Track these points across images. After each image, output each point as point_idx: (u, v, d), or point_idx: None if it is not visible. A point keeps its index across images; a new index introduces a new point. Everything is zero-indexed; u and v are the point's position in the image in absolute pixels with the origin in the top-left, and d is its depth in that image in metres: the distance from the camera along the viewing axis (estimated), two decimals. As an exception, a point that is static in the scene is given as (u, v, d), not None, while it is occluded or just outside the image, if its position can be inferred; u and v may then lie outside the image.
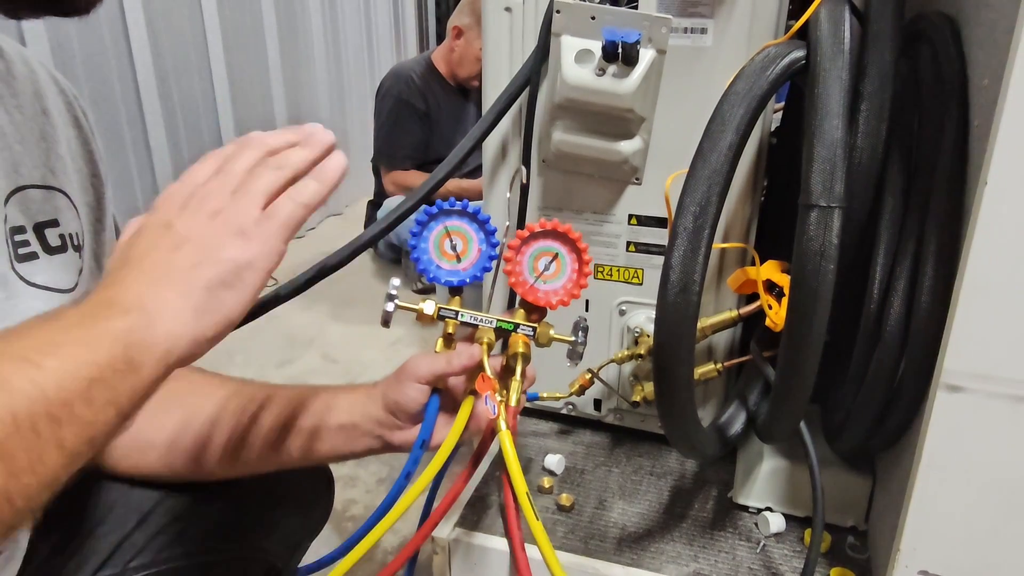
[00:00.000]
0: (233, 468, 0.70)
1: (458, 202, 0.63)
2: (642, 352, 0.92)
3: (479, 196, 1.00)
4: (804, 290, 0.57)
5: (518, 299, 0.67)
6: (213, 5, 2.17)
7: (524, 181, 0.90)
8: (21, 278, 0.54)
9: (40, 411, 0.35)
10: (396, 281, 0.63)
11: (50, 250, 0.57)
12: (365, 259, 2.49)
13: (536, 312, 0.66)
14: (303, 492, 0.83)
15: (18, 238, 0.54)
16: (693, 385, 0.63)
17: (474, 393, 0.64)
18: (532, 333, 0.65)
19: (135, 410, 0.40)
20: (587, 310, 0.98)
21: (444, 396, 0.66)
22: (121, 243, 0.47)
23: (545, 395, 0.99)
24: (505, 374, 0.65)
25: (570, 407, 1.05)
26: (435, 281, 0.65)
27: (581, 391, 0.96)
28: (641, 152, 0.86)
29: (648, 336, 0.93)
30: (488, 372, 0.62)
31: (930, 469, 0.60)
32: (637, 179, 0.90)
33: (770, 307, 0.75)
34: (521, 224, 0.93)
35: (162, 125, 2.03)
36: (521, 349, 0.64)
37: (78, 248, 0.60)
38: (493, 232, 0.65)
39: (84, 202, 0.63)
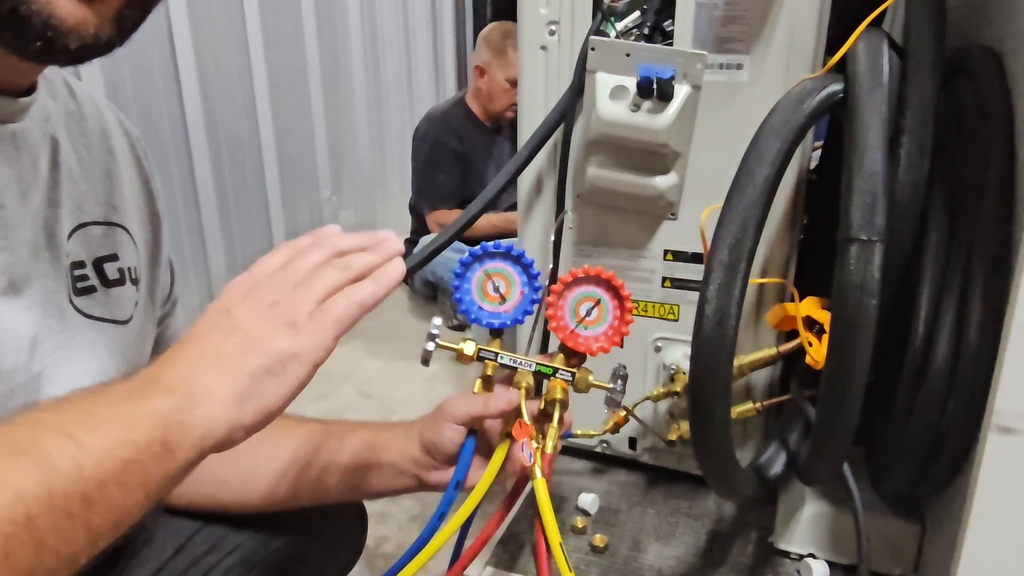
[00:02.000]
0: (280, 504, 0.71)
1: (502, 244, 0.64)
2: (678, 389, 0.90)
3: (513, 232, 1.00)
4: (845, 325, 0.56)
5: (558, 343, 0.66)
6: (260, 49, 2.25)
7: (571, 226, 0.91)
8: (78, 311, 0.56)
9: (75, 491, 0.35)
10: (438, 320, 0.63)
11: (108, 283, 0.59)
12: (401, 295, 2.51)
13: (575, 357, 0.66)
14: (337, 527, 0.83)
15: (77, 272, 0.56)
16: (730, 421, 0.61)
17: (510, 437, 0.64)
18: (571, 379, 0.64)
19: (162, 495, 0.40)
20: (622, 346, 0.97)
21: (480, 438, 0.66)
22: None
23: (579, 432, 0.97)
24: (542, 419, 0.65)
25: (605, 445, 1.03)
26: (476, 323, 0.65)
27: (616, 429, 0.94)
28: (676, 187, 0.86)
29: (684, 373, 0.91)
30: (526, 418, 0.61)
31: (982, 515, 0.57)
32: (672, 214, 0.89)
33: (810, 344, 0.73)
34: (556, 262, 0.93)
35: (208, 164, 2.09)
36: (559, 396, 0.63)
37: (135, 281, 0.62)
38: (537, 276, 0.64)
39: (142, 238, 0.65)
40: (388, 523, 1.43)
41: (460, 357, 0.65)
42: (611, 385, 0.64)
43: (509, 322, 0.65)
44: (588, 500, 0.94)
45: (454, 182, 2.28)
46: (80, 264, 0.56)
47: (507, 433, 0.65)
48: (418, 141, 2.32)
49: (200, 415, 0.41)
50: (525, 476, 0.66)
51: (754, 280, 0.87)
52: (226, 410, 0.42)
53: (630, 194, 0.86)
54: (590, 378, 0.64)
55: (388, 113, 3.03)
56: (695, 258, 0.90)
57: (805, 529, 0.84)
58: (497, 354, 0.64)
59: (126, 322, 0.60)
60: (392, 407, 1.87)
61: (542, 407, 0.65)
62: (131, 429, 0.38)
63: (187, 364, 0.43)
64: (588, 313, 0.64)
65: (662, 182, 0.84)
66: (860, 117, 0.57)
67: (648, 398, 0.92)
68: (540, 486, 0.60)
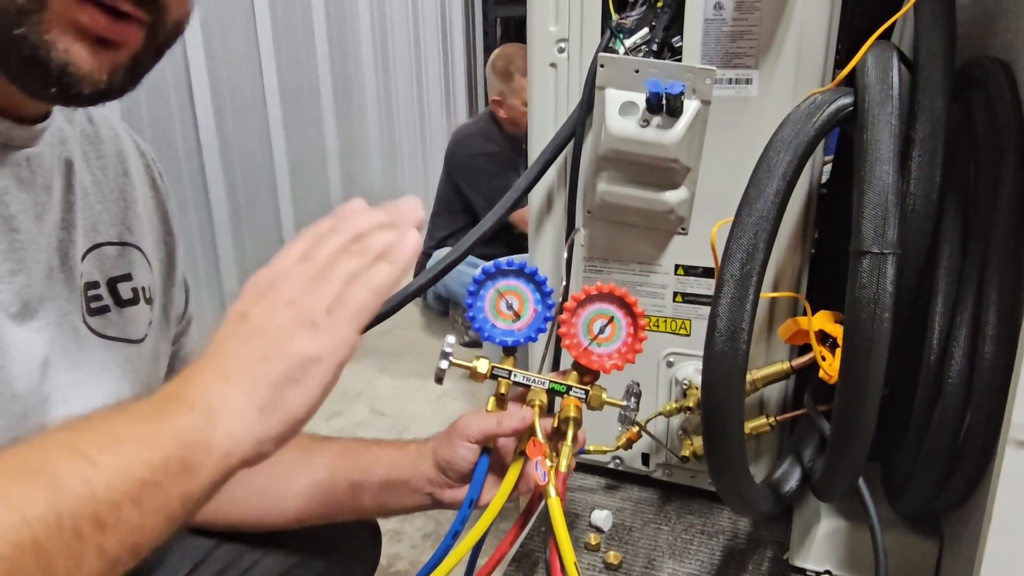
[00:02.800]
0: (295, 523, 0.71)
1: (515, 262, 0.64)
2: (691, 405, 0.90)
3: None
4: (858, 339, 0.56)
5: (571, 360, 0.67)
6: (273, 70, 2.27)
7: (583, 243, 0.91)
8: (92, 330, 0.56)
9: (87, 513, 0.33)
10: (451, 339, 0.64)
11: (121, 303, 0.59)
12: (414, 312, 2.51)
13: (589, 375, 0.66)
14: (352, 545, 0.83)
15: (91, 293, 0.57)
16: (743, 436, 0.61)
17: (523, 454, 0.64)
18: (584, 396, 0.65)
19: (187, 517, 0.38)
20: (634, 361, 0.96)
21: (493, 456, 0.67)
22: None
23: (592, 449, 0.96)
24: (555, 436, 0.65)
25: (617, 461, 1.02)
26: (490, 340, 0.66)
27: (628, 445, 0.94)
28: (687, 202, 0.86)
29: (696, 388, 0.91)
30: (540, 436, 0.61)
31: (1001, 531, 0.56)
32: (683, 229, 0.89)
33: (823, 358, 0.72)
34: (567, 276, 0.93)
35: (222, 184, 2.11)
36: (573, 413, 0.63)
37: (149, 301, 0.63)
38: (550, 293, 0.65)
39: (157, 258, 0.66)
40: (401, 541, 1.43)
41: (473, 375, 0.65)
42: (625, 403, 0.65)
43: (522, 340, 0.65)
44: (601, 517, 0.93)
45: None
46: (94, 284, 0.57)
47: (521, 451, 0.66)
48: (464, 159, 2.33)
49: (222, 431, 0.39)
50: (539, 494, 0.67)
51: (766, 294, 0.86)
52: (249, 424, 0.40)
53: (640, 209, 0.86)
54: (604, 396, 0.65)
55: (400, 132, 3.06)
56: (707, 273, 0.90)
57: (821, 546, 0.83)
58: (511, 372, 0.65)
59: (140, 341, 0.60)
60: (405, 424, 1.87)
61: (555, 425, 0.65)
62: (148, 449, 0.37)
63: (206, 379, 0.42)
64: (601, 330, 0.64)
65: (672, 197, 0.84)
66: (870, 130, 0.57)
67: (660, 414, 0.92)
68: (554, 505, 0.60)
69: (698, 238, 0.88)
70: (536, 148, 0.90)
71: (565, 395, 0.65)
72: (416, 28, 3.11)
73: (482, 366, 0.65)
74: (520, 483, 0.65)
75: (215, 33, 2.03)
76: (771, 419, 0.86)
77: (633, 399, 0.65)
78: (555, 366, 0.93)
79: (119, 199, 0.61)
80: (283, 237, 2.42)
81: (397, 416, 1.89)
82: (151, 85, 1.89)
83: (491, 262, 0.64)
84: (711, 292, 0.90)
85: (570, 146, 0.88)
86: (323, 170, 2.61)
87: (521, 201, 0.88)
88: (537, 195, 0.95)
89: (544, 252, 0.97)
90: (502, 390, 0.66)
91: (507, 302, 0.64)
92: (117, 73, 0.47)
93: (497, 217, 0.89)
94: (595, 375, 0.66)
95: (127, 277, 0.60)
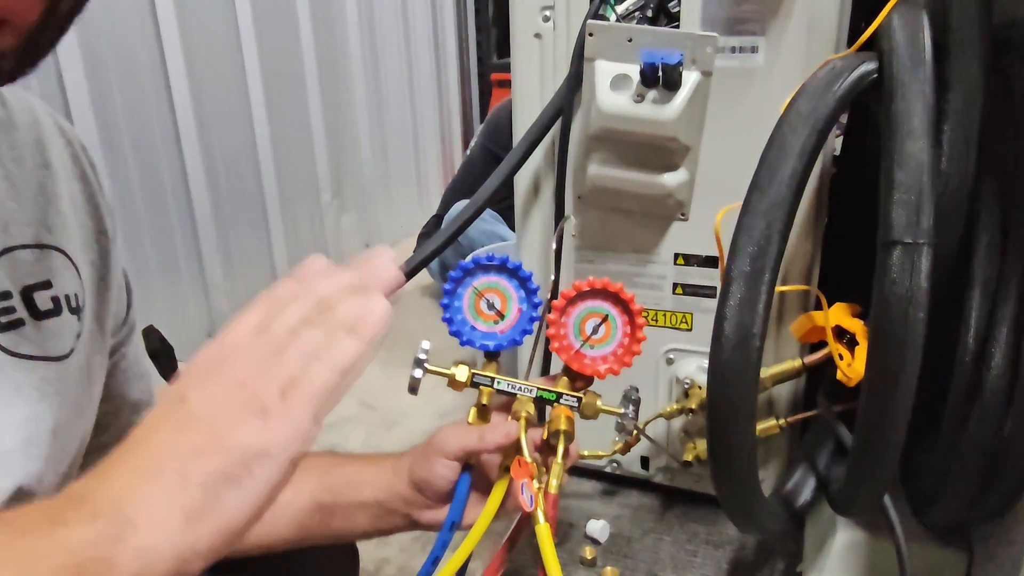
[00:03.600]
0: (254, 550, 0.64)
1: (496, 256, 0.57)
2: (693, 406, 0.83)
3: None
4: (889, 342, 0.48)
5: (560, 365, 0.60)
6: (253, 49, 2.18)
7: (573, 233, 0.83)
8: (3, 349, 0.48)
9: None
10: (426, 344, 0.57)
11: (38, 315, 0.52)
12: (413, 293, 2.44)
13: (582, 380, 0.59)
14: (328, 569, 0.76)
15: (2, 305, 0.49)
16: (755, 453, 0.53)
17: (509, 471, 0.57)
18: (577, 405, 0.58)
19: None
20: (631, 365, 0.89)
21: (476, 472, 0.60)
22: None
23: (586, 453, 0.90)
24: (545, 450, 0.58)
25: (614, 465, 0.95)
26: (469, 345, 0.60)
27: (626, 449, 0.87)
28: (687, 185, 0.78)
29: (700, 388, 0.84)
30: (526, 454, 0.54)
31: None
32: (683, 215, 0.81)
33: (841, 357, 0.65)
34: (558, 270, 0.85)
35: (202, 170, 2.02)
36: (564, 426, 0.56)
37: (76, 310, 0.55)
38: (536, 291, 0.58)
39: (87, 260, 0.58)
40: (389, 544, 1.36)
41: (452, 384, 0.59)
42: (622, 410, 0.58)
43: (506, 343, 0.59)
44: (597, 528, 0.86)
45: None
46: (6, 295, 0.49)
47: (506, 466, 0.59)
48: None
49: (132, 547, 0.31)
50: (527, 516, 0.60)
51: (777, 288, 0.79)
52: (170, 536, 0.32)
53: (636, 193, 0.78)
54: (598, 403, 0.58)
55: (389, 112, 2.96)
56: (709, 262, 0.82)
57: (837, 559, 0.76)
58: (493, 379, 0.58)
59: (64, 358, 0.53)
60: (395, 419, 1.80)
61: (545, 437, 0.58)
62: (31, 572, 0.29)
63: (124, 477, 0.34)
64: (595, 331, 0.58)
65: (671, 180, 0.77)
66: (901, 100, 0.49)
67: (660, 415, 0.85)
68: (543, 533, 0.53)
69: (699, 224, 0.81)
70: (520, 128, 0.82)
71: (555, 404, 0.57)
72: (404, 3, 3.00)
73: (461, 373, 0.58)
74: (507, 502, 0.59)
75: (189, 10, 1.93)
76: (781, 421, 0.79)
77: (631, 406, 0.58)
78: (544, 371, 0.85)
79: (37, 195, 0.53)
80: (269, 224, 2.33)
81: (387, 410, 1.82)
82: (123, 68, 1.80)
83: (468, 257, 0.57)
84: (714, 283, 0.83)
85: (558, 125, 0.80)
86: (309, 152, 2.52)
87: (506, 183, 0.80)
88: (523, 180, 0.87)
89: (531, 243, 0.89)
90: (484, 400, 0.59)
91: (487, 301, 0.57)
92: (4, 56, 0.39)
93: (478, 205, 0.81)
94: (588, 380, 0.59)
95: (46, 285, 0.52)
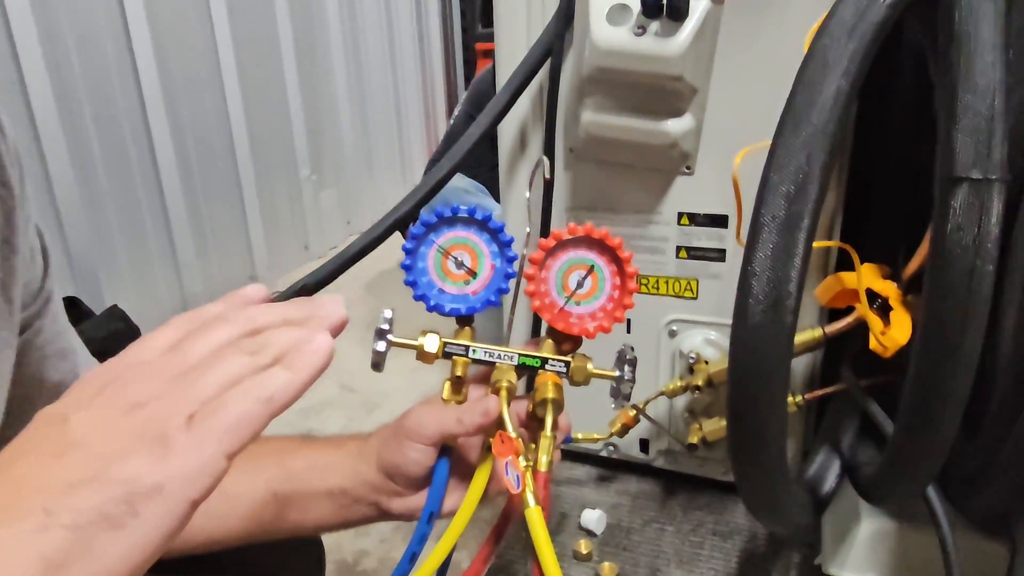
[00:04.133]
0: (198, 547, 0.56)
1: (462, 208, 0.48)
2: (699, 383, 0.74)
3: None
4: (949, 305, 0.40)
5: (545, 326, 0.51)
6: (224, 13, 2.06)
7: (547, 176, 0.74)
8: None
9: None
10: (388, 312, 0.49)
11: None
12: (390, 274, 2.34)
13: (569, 342, 0.51)
14: (289, 572, 0.68)
15: None
16: (784, 438, 0.45)
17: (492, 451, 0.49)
18: (565, 370, 0.50)
19: None
20: (629, 331, 0.81)
21: (455, 454, 0.53)
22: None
23: (580, 436, 0.81)
24: (532, 424, 0.50)
25: (611, 448, 0.87)
26: (438, 311, 0.52)
27: (624, 431, 0.78)
28: (693, 133, 0.69)
29: (706, 362, 0.75)
30: (510, 430, 0.47)
31: None
32: (688, 168, 0.72)
33: (876, 325, 0.56)
34: (545, 231, 0.76)
35: (170, 142, 1.91)
36: (551, 394, 0.49)
37: None
38: (509, 243, 0.50)
39: None
40: (369, 535, 1.28)
41: (421, 356, 0.51)
42: (616, 372, 0.50)
43: (480, 305, 0.51)
44: (593, 518, 0.78)
45: None
46: None
47: (490, 446, 0.51)
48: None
49: None
50: (515, 501, 0.52)
51: (794, 246, 0.70)
52: None
53: (635, 143, 0.69)
54: (589, 366, 0.50)
55: (370, 82, 2.84)
56: (716, 221, 0.73)
57: (862, 550, 0.68)
58: (468, 347, 0.50)
59: None
60: (377, 401, 1.71)
61: (531, 409, 0.50)
62: None
63: None
64: (580, 284, 0.50)
65: (675, 127, 0.68)
66: (965, 9, 0.40)
67: (663, 393, 0.76)
68: (534, 517, 0.45)
69: (706, 179, 0.72)
70: (504, 71, 0.73)
71: (540, 371, 0.50)
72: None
73: (431, 343, 0.51)
74: (491, 486, 0.51)
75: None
76: (798, 398, 0.71)
77: (627, 367, 0.50)
78: (536, 334, 0.77)
79: None
80: (244, 200, 2.22)
81: (369, 392, 1.73)
82: (81, 32, 1.68)
83: (431, 211, 0.49)
84: (723, 245, 0.74)
85: (546, 67, 0.70)
86: (286, 123, 2.40)
87: (488, 134, 0.71)
88: (508, 131, 0.78)
89: (518, 202, 0.80)
90: (458, 371, 0.51)
91: (455, 259, 0.49)
92: None
93: (455, 161, 0.72)
94: (576, 342, 0.51)
95: None
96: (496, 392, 0.49)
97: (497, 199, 2.04)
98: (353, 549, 1.24)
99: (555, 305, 0.50)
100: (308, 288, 0.68)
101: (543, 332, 0.53)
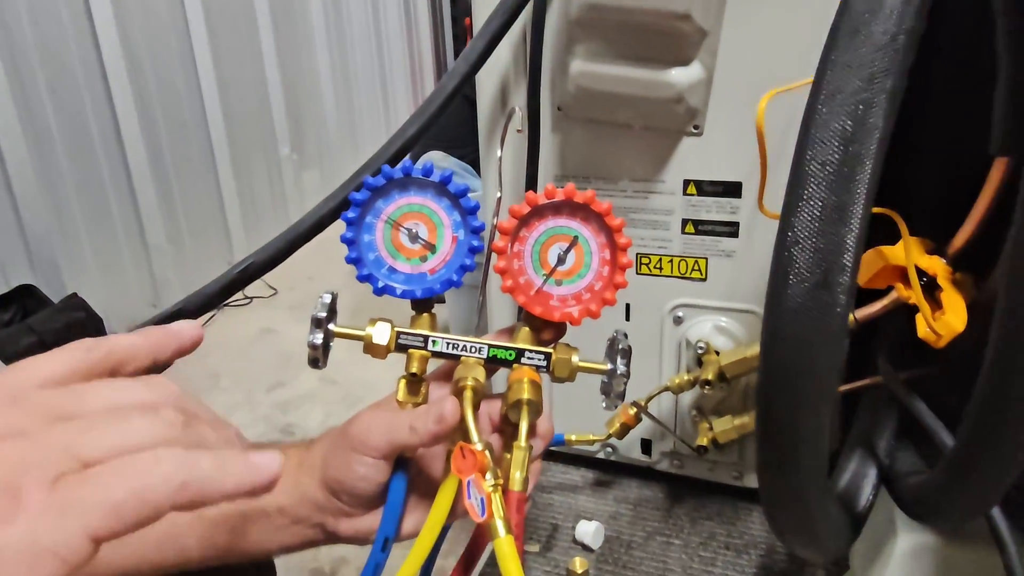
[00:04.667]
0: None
1: (416, 168, 0.40)
2: (709, 377, 0.65)
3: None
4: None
5: (521, 310, 0.42)
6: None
7: (520, 129, 0.63)
8: None
9: None
10: (327, 297, 0.41)
11: None
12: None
13: (549, 330, 0.43)
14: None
15: None
16: (827, 450, 0.35)
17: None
18: (545, 364, 0.42)
19: None
20: (628, 319, 0.71)
21: (414, 468, 0.44)
22: None
23: (574, 438, 0.72)
24: (506, 429, 0.41)
25: (609, 450, 0.77)
26: (387, 293, 0.43)
27: (623, 431, 0.69)
28: (702, 85, 0.59)
29: (717, 353, 0.66)
30: (473, 440, 0.38)
31: None
32: (696, 127, 0.62)
33: (923, 309, 0.46)
34: (533, 185, 0.66)
35: (135, 118, 1.80)
36: (527, 394, 0.40)
37: None
38: (474, 210, 0.41)
39: None
40: (348, 539, 1.19)
41: (369, 348, 0.42)
42: (608, 365, 0.41)
43: (439, 286, 0.42)
44: (589, 531, 0.69)
45: None
46: None
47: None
48: None
49: None
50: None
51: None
52: None
53: (634, 97, 0.59)
54: (574, 359, 0.42)
55: (354, 56, 2.73)
56: (729, 190, 0.63)
57: (898, 569, 0.59)
58: (426, 338, 0.41)
59: None
60: (359, 394, 1.62)
61: (504, 412, 0.42)
62: None
63: None
64: (561, 260, 0.41)
65: (681, 77, 0.57)
66: None
67: (667, 388, 0.67)
68: (504, 550, 0.37)
69: (717, 140, 0.62)
70: (481, 15, 0.62)
71: (515, 365, 0.42)
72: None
73: (380, 333, 0.41)
74: (460, 502, 0.41)
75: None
76: (823, 394, 0.61)
77: (620, 360, 0.41)
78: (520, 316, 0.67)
79: None
80: (219, 181, 2.11)
81: (350, 384, 1.64)
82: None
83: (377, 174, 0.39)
84: (735, 218, 0.64)
85: (530, 7, 0.60)
86: (264, 99, 2.29)
87: (460, 90, 0.61)
88: (486, 87, 0.67)
89: (502, 169, 0.70)
90: (414, 367, 0.42)
91: (409, 231, 0.40)
92: None
93: (422, 123, 0.61)
94: (559, 329, 0.43)
95: None
96: (458, 393, 0.40)
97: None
98: (331, 557, 1.15)
99: (531, 285, 0.41)
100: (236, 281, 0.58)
101: (519, 318, 0.44)
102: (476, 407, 0.40)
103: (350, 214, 0.40)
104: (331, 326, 0.40)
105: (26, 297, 1.44)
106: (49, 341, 1.31)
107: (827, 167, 0.28)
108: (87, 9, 1.67)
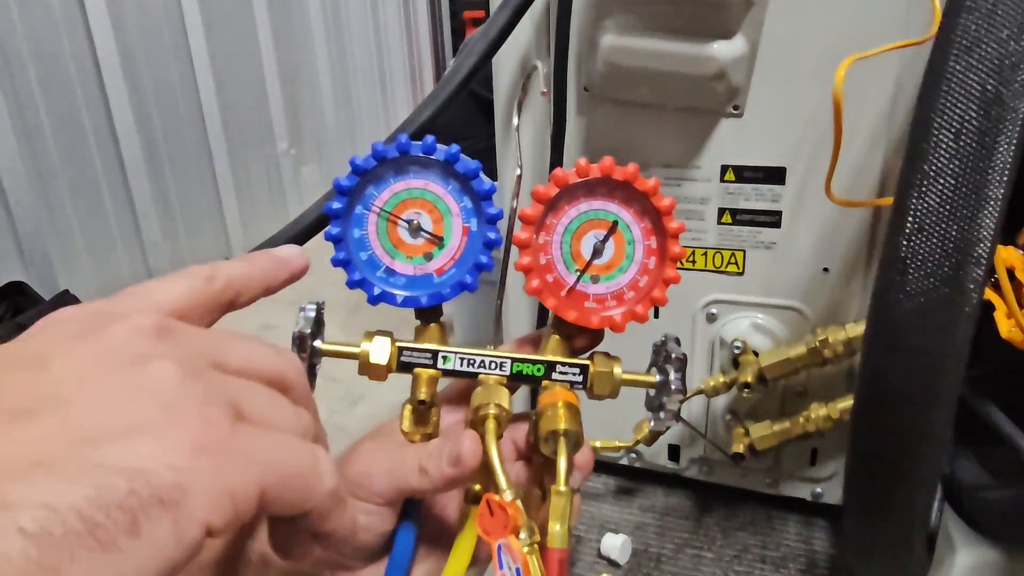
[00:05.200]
0: None
1: (415, 145, 0.32)
2: (748, 379, 0.60)
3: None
4: None
5: (550, 315, 0.35)
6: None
7: (544, 91, 0.58)
8: None
9: None
10: (311, 308, 0.33)
11: None
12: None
13: (584, 337, 0.35)
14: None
15: None
16: (938, 481, 0.30)
17: (477, 502, 0.32)
18: (581, 379, 0.33)
19: None
20: (656, 316, 0.66)
21: (424, 513, 0.35)
22: None
23: (599, 444, 0.67)
24: (537, 465, 0.34)
25: (633, 456, 0.72)
26: (385, 301, 0.34)
27: (653, 438, 0.64)
28: (744, 61, 0.54)
29: (755, 354, 0.61)
30: (503, 485, 0.30)
31: None
32: (736, 108, 0.57)
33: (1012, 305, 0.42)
34: (558, 160, 0.61)
35: (130, 112, 1.74)
36: (563, 423, 0.32)
37: None
38: (489, 194, 0.33)
39: None
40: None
41: (366, 369, 0.34)
42: (658, 377, 0.33)
43: (449, 291, 0.34)
44: (616, 545, 0.64)
45: None
46: None
47: (475, 496, 0.34)
48: None
49: None
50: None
51: (878, 200, 0.55)
52: None
53: (670, 75, 0.54)
54: (617, 371, 0.33)
55: (352, 50, 2.67)
56: (771, 176, 0.58)
57: (957, 587, 0.54)
58: (435, 354, 0.33)
59: None
60: (360, 392, 1.56)
61: (531, 439, 0.34)
62: None
63: None
64: (598, 252, 0.33)
65: (722, 51, 0.52)
66: None
67: (701, 391, 0.62)
68: None
69: (759, 121, 0.57)
70: (500, -13, 0.57)
71: (545, 382, 0.34)
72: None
73: (379, 350, 0.33)
74: (481, 548, 0.35)
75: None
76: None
77: (673, 370, 0.33)
78: (541, 323, 0.62)
79: None
80: (216, 175, 2.06)
81: (351, 383, 1.58)
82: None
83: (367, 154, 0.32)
84: (778, 207, 0.59)
85: (555, -22, 0.55)
86: (261, 92, 2.23)
87: (479, 70, 0.55)
88: (505, 66, 0.62)
89: (520, 142, 0.65)
90: (422, 393, 0.33)
91: (409, 223, 0.33)
92: None
93: (440, 103, 0.56)
94: (595, 336, 0.35)
95: None
96: (476, 425, 0.32)
97: (494, 176, 1.88)
98: None
99: (562, 284, 0.34)
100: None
101: (549, 323, 0.37)
102: (499, 439, 0.31)
103: (335, 205, 0.32)
104: (318, 343, 0.32)
105: (16, 294, 1.39)
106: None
107: (963, 137, 0.23)
108: (80, 2, 1.61)
